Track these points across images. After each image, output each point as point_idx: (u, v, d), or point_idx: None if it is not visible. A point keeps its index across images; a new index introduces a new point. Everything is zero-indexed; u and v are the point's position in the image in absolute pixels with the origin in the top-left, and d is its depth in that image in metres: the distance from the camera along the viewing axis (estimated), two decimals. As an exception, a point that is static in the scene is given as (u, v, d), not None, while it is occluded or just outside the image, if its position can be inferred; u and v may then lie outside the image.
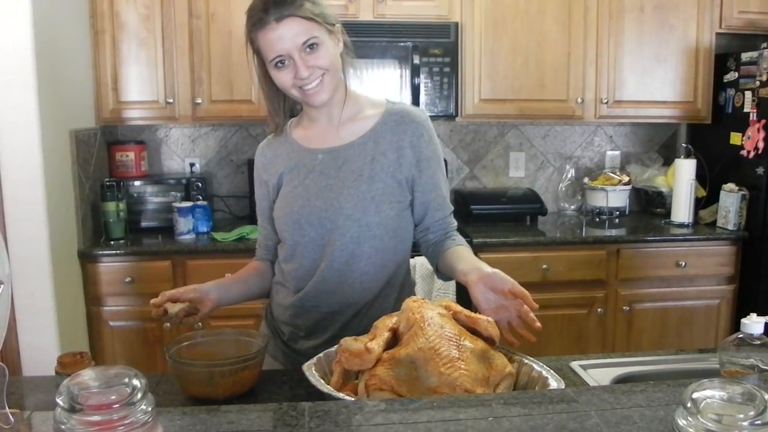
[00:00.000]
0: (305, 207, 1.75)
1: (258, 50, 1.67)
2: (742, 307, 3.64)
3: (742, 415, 0.76)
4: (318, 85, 1.66)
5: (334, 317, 1.78)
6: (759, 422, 0.75)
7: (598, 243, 3.54)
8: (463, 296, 3.22)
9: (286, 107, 1.81)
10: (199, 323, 3.23)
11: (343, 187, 1.73)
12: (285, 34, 1.60)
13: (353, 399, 1.32)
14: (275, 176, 1.83)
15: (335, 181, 1.74)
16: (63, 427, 0.80)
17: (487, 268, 1.55)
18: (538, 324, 1.46)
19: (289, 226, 1.78)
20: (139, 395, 0.83)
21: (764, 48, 3.47)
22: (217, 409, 1.08)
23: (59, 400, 0.81)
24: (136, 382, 0.84)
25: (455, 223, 1.90)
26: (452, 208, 1.89)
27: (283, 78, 1.65)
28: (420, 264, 3.08)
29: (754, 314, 1.39)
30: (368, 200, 1.72)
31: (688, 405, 0.79)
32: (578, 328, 3.55)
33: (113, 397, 0.82)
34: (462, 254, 1.74)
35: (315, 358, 1.52)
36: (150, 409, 0.83)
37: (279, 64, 1.64)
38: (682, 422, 0.80)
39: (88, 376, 0.87)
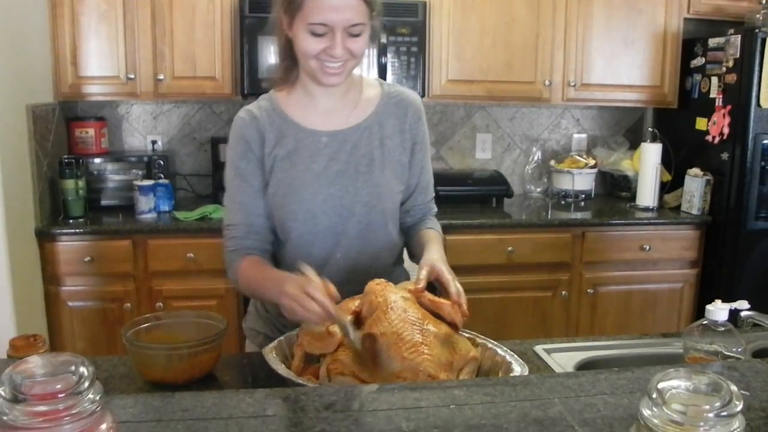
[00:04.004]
0: (317, 194, 1.66)
1: (301, 3, 1.52)
2: (704, 291, 3.68)
3: (707, 406, 0.75)
4: (340, 67, 1.57)
5: None
6: (725, 413, 0.74)
7: (563, 226, 3.55)
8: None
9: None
10: (160, 304, 3.22)
11: (356, 172, 1.67)
12: (341, 7, 1.50)
13: (313, 384, 1.29)
14: (269, 155, 1.69)
15: (347, 167, 1.67)
16: (5, 418, 0.76)
17: (438, 261, 1.55)
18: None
19: (299, 215, 1.66)
20: (86, 384, 0.79)
21: (731, 34, 3.48)
22: (171, 396, 1.04)
23: (0, 390, 0.77)
24: (83, 369, 0.80)
25: (435, 209, 1.88)
26: (434, 193, 1.86)
27: (311, 44, 1.54)
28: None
29: (719, 301, 1.39)
30: (383, 186, 1.68)
31: (654, 395, 0.77)
32: (543, 310, 3.56)
33: (58, 386, 0.78)
34: (429, 238, 1.71)
35: (275, 341, 1.49)
36: (98, 398, 0.79)
37: (316, 31, 1.52)
38: (646, 412, 0.78)
39: (33, 363, 0.82)
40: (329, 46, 1.53)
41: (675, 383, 0.79)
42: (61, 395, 0.77)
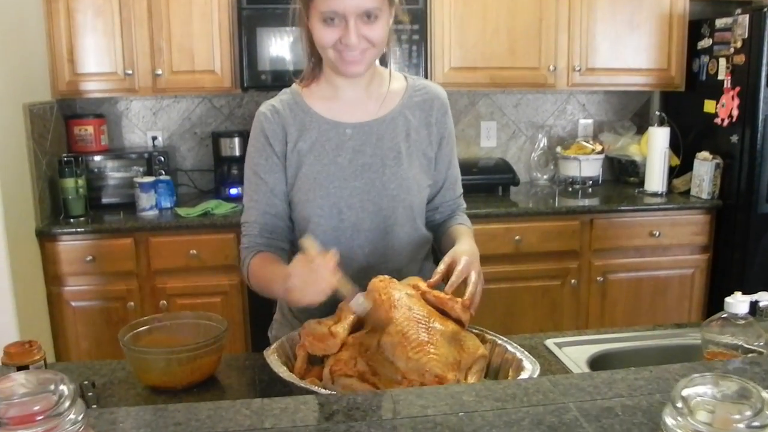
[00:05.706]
0: (343, 188, 1.62)
1: None
2: (716, 276, 3.63)
3: (738, 416, 0.69)
4: (359, 55, 1.52)
5: None
6: (757, 423, 0.68)
7: (571, 213, 3.49)
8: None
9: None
10: (164, 302, 3.18)
11: (383, 165, 1.63)
12: None
13: (317, 387, 1.24)
14: (292, 150, 1.65)
15: (373, 160, 1.64)
16: (-18, 443, 0.72)
17: (465, 252, 1.51)
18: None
19: (325, 210, 1.62)
20: (67, 403, 0.74)
21: (738, 14, 3.41)
22: (164, 409, 0.99)
23: (-24, 414, 0.72)
24: (63, 388, 0.75)
25: (464, 205, 1.85)
26: (462, 189, 1.83)
27: (326, 36, 1.50)
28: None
29: (739, 293, 1.34)
30: (410, 179, 1.65)
31: (678, 404, 0.71)
32: (552, 299, 3.51)
33: (37, 408, 0.73)
34: (461, 232, 1.68)
35: (277, 343, 1.45)
36: (80, 418, 0.75)
37: (328, 21, 1.48)
38: (670, 422, 0.72)
39: (12, 382, 0.78)
40: (344, 34, 1.48)
41: (701, 390, 0.73)
42: (40, 417, 0.73)
